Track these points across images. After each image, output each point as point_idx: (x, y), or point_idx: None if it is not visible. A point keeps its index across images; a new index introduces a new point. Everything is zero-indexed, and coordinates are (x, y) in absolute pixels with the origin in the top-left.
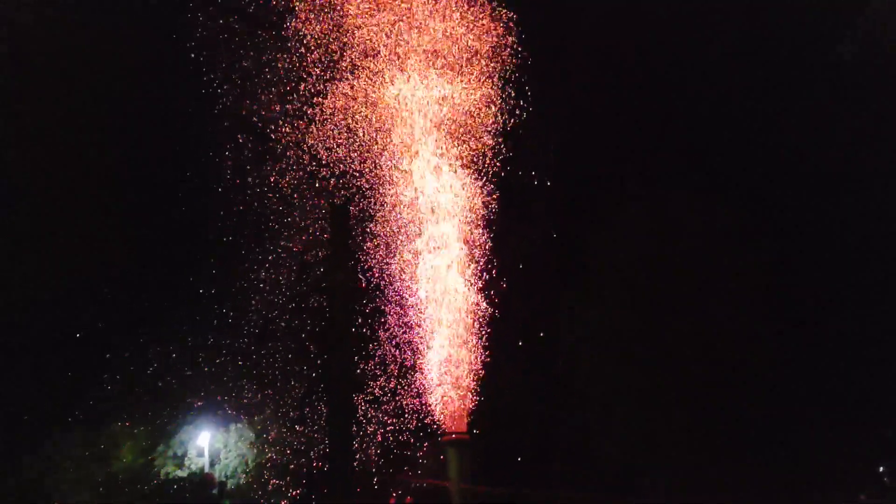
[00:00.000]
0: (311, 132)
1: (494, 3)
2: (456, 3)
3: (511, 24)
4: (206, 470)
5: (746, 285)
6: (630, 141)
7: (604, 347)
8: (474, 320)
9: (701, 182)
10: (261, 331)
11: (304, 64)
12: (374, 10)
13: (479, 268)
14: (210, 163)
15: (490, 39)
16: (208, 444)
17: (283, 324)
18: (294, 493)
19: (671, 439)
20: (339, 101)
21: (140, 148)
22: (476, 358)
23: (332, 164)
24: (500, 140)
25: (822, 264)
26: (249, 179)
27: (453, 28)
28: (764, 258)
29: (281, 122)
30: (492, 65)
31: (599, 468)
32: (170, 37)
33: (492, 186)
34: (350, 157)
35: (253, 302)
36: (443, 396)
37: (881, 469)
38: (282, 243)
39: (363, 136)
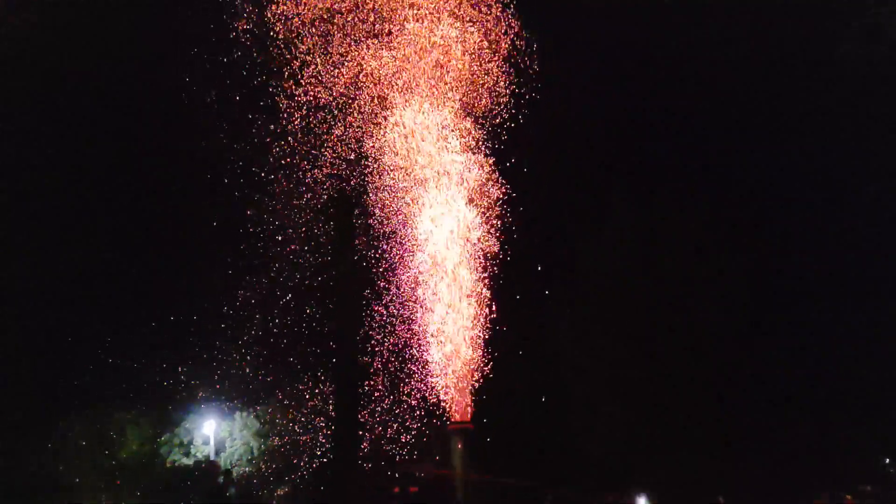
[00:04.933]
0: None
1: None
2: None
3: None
4: (212, 458)
5: (741, 282)
6: (618, 145)
7: (591, 348)
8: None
9: (688, 184)
10: (267, 320)
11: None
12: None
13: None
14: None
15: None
16: (214, 433)
17: (289, 313)
18: (299, 483)
19: (663, 439)
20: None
21: (148, 144)
22: (479, 341)
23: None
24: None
25: (822, 259)
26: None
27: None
28: (762, 252)
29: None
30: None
31: (587, 467)
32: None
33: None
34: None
35: (260, 290)
36: (446, 386)
37: (886, 461)
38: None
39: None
